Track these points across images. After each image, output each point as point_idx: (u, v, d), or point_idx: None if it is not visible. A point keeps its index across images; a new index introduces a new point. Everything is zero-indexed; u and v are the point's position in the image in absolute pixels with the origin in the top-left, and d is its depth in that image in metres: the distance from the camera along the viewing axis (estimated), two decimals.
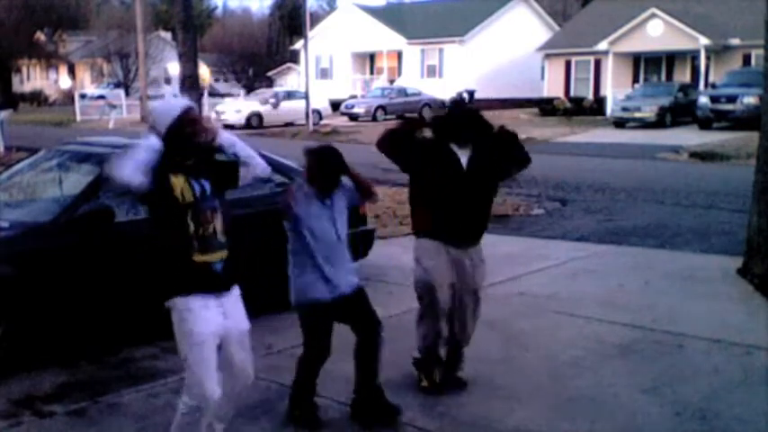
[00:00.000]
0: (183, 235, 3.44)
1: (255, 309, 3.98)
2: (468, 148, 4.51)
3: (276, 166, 6.73)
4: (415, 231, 4.72)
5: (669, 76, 33.41)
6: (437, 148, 4.51)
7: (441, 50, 40.11)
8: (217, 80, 61.34)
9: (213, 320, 3.49)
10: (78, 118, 37.90)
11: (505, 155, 4.60)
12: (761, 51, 7.63)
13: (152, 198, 3.45)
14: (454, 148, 4.49)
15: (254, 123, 31.11)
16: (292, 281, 4.17)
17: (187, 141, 3.50)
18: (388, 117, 33.36)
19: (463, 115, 4.56)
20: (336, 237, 4.12)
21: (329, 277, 4.08)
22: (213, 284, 3.50)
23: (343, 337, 5.69)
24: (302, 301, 4.14)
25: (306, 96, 29.85)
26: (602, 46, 32.42)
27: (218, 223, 3.53)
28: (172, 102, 3.73)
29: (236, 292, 3.64)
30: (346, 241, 4.20)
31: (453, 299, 4.58)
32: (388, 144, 4.53)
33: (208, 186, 3.55)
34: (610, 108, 31.37)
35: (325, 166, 4.08)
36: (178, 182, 3.45)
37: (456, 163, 4.47)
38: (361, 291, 4.26)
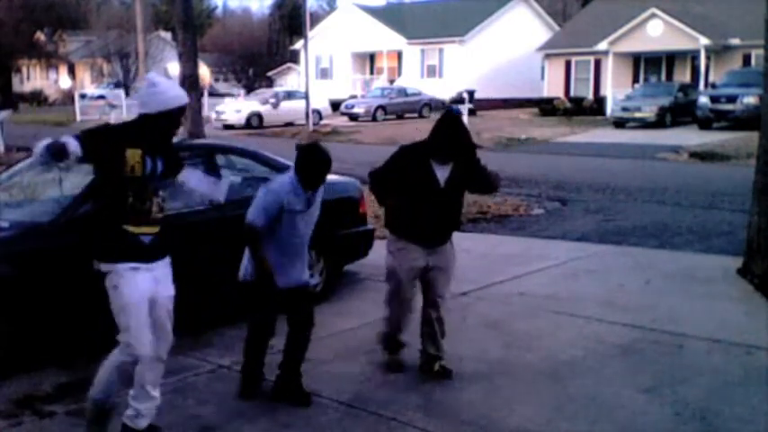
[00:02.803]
0: (120, 204, 3.65)
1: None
2: (448, 165, 4.62)
3: (279, 168, 6.74)
4: (387, 226, 4.87)
5: (669, 76, 33.41)
6: (417, 168, 4.60)
7: (441, 50, 40.11)
8: (217, 80, 61.31)
9: (142, 284, 3.70)
10: (78, 118, 37.86)
11: (484, 185, 4.82)
12: (761, 51, 7.63)
13: (102, 164, 3.65)
14: (435, 165, 4.59)
15: (254, 123, 31.12)
16: (246, 259, 4.37)
17: (171, 130, 3.78)
18: (388, 117, 33.40)
19: (450, 139, 4.55)
20: (299, 241, 4.34)
21: (282, 268, 4.28)
22: (141, 253, 3.72)
23: (343, 338, 5.70)
24: (249, 279, 4.32)
25: (306, 96, 29.84)
26: (602, 46, 32.43)
27: (156, 201, 3.76)
28: (178, 89, 3.86)
29: (167, 260, 3.87)
30: (308, 241, 4.44)
31: (428, 287, 4.80)
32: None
33: (161, 166, 3.76)
34: (610, 108, 31.37)
35: (312, 163, 4.23)
36: (133, 156, 3.63)
37: (434, 182, 4.59)
38: (308, 289, 4.54)
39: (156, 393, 3.97)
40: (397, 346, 4.97)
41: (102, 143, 3.61)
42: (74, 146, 3.45)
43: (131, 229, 3.68)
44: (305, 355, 4.52)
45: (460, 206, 4.87)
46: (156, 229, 3.78)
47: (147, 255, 3.74)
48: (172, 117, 3.71)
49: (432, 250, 4.72)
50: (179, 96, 3.74)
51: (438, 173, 4.60)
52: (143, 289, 3.70)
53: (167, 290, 3.87)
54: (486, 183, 4.77)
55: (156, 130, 3.71)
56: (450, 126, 4.57)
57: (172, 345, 3.98)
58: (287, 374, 4.51)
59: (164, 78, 3.92)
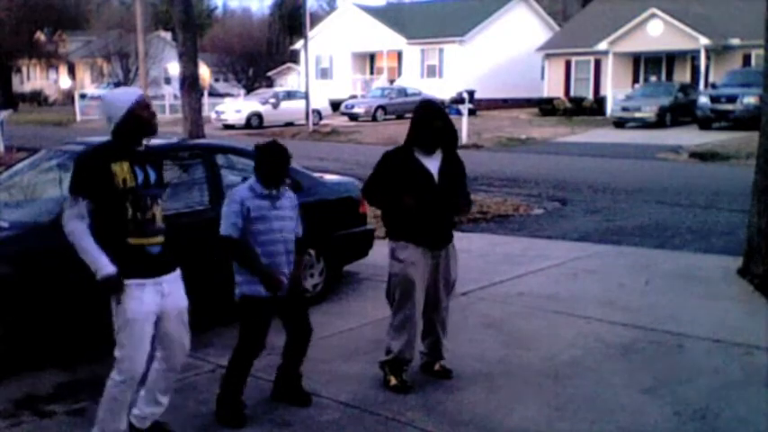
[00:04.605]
0: (119, 218, 3.60)
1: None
2: (437, 155, 4.60)
3: None
4: (389, 234, 4.77)
5: (669, 76, 33.42)
6: (406, 164, 4.56)
7: (441, 50, 40.12)
8: (217, 80, 61.34)
9: (148, 301, 3.63)
10: (78, 118, 37.93)
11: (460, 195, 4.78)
12: (761, 51, 7.64)
13: (91, 189, 3.59)
14: (422, 158, 4.56)
15: (254, 123, 31.14)
16: (235, 275, 4.30)
17: (145, 125, 3.70)
18: (388, 117, 33.42)
19: (431, 122, 4.53)
20: (280, 237, 4.27)
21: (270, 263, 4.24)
22: (149, 267, 3.65)
23: (343, 338, 5.70)
24: (244, 295, 4.26)
25: (306, 96, 29.87)
26: (602, 46, 32.44)
27: (157, 210, 3.72)
28: (122, 90, 3.90)
29: (176, 273, 3.80)
30: (292, 243, 4.35)
31: (430, 291, 4.71)
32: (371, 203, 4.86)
33: (153, 174, 3.74)
34: (610, 108, 31.39)
35: (270, 160, 4.27)
36: (121, 169, 3.61)
37: (428, 178, 4.55)
38: (301, 293, 4.51)
39: (164, 400, 3.97)
40: (403, 367, 4.73)
41: (90, 177, 3.58)
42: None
43: (135, 241, 3.62)
44: (304, 358, 4.52)
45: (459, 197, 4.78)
46: (161, 239, 3.72)
47: (155, 268, 3.68)
48: (137, 115, 3.66)
49: (437, 253, 4.66)
50: (130, 93, 3.75)
51: (429, 166, 4.56)
52: (148, 305, 3.64)
53: (178, 303, 3.80)
54: (461, 193, 4.72)
55: (131, 136, 3.68)
56: (430, 111, 4.56)
57: (188, 352, 3.95)
58: (287, 375, 4.51)
59: (108, 92, 3.92)
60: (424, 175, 4.54)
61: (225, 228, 4.21)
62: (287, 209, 4.35)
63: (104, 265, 3.53)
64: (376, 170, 4.68)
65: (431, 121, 4.55)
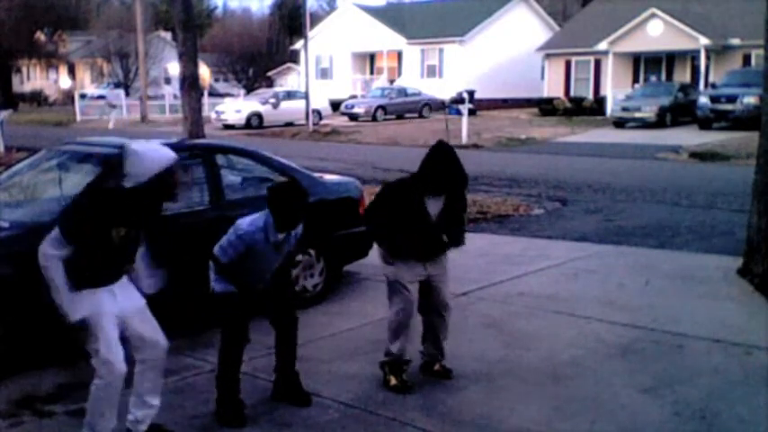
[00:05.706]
0: (94, 268, 3.66)
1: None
2: (441, 198, 4.59)
3: (278, 168, 6.74)
4: (380, 247, 4.79)
5: (669, 76, 33.41)
6: (409, 207, 4.55)
7: (441, 50, 40.13)
8: (217, 80, 61.36)
9: (103, 301, 3.66)
10: (78, 118, 37.93)
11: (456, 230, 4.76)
12: (761, 51, 7.64)
13: (83, 243, 3.58)
14: (427, 199, 4.55)
15: (253, 123, 31.14)
16: (210, 271, 4.30)
17: (163, 197, 3.69)
18: (388, 117, 33.42)
19: (447, 171, 4.48)
20: (269, 266, 4.32)
21: (253, 275, 4.30)
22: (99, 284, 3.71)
23: (343, 338, 5.70)
24: (215, 292, 4.28)
25: (306, 96, 29.87)
26: (602, 46, 32.44)
27: (129, 266, 3.84)
28: (163, 150, 3.73)
29: (123, 279, 3.82)
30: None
31: (434, 294, 4.73)
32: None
33: (143, 235, 3.82)
34: (610, 108, 31.39)
35: (287, 206, 4.15)
36: (118, 233, 3.61)
37: (426, 221, 4.56)
38: (282, 287, 4.52)
39: (154, 402, 3.95)
40: (403, 367, 4.76)
41: (86, 233, 3.57)
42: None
43: (95, 286, 3.68)
44: (296, 352, 4.52)
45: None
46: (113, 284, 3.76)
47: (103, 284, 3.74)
48: (163, 180, 3.61)
49: (429, 261, 4.70)
50: (162, 157, 3.63)
51: (430, 208, 4.56)
52: (104, 304, 3.67)
53: (134, 302, 3.83)
54: (457, 229, 4.71)
55: (148, 199, 3.65)
56: (445, 158, 4.47)
57: (165, 349, 3.92)
58: (284, 374, 4.51)
59: (144, 143, 3.74)
60: (422, 219, 4.55)
61: (220, 253, 4.22)
62: (289, 244, 4.36)
63: (77, 311, 3.58)
64: (378, 201, 4.69)
65: (442, 169, 4.47)
